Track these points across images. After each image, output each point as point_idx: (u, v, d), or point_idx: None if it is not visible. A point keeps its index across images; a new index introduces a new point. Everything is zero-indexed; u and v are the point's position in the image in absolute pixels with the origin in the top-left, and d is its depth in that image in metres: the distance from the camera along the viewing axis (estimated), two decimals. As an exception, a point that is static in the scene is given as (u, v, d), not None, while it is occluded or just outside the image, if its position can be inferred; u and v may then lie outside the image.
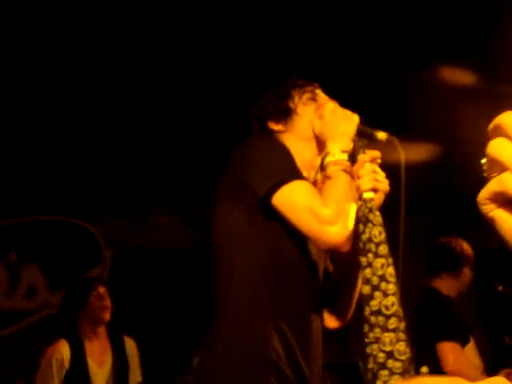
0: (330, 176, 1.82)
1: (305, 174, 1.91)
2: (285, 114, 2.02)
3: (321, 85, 2.14)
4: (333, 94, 2.09)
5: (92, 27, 4.24)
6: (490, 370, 4.11)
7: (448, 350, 3.14)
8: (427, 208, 5.00)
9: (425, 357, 3.11)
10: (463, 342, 3.28)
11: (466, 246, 3.47)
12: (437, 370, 3.08)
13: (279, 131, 2.02)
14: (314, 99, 2.03)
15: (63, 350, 3.41)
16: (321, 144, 1.96)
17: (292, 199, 1.76)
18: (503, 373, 3.51)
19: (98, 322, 3.52)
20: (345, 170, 1.82)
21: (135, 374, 3.65)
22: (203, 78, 4.55)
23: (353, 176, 1.84)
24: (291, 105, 2.03)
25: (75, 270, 4.97)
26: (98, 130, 5.02)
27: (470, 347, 3.40)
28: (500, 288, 4.67)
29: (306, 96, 2.03)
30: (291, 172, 1.81)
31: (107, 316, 3.53)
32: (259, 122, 2.06)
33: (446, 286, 3.35)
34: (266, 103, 2.08)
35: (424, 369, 3.05)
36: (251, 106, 2.12)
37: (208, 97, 4.67)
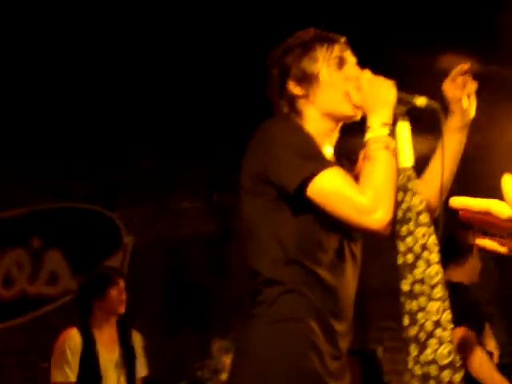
0: (370, 156, 1.75)
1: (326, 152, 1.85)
2: (306, 78, 1.87)
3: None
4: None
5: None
6: (507, 358, 4.12)
7: (458, 336, 3.14)
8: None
9: None
10: (478, 329, 3.29)
11: (471, 237, 3.52)
12: None
13: (299, 96, 1.89)
14: (340, 66, 1.89)
15: (75, 336, 3.51)
16: (337, 119, 1.89)
17: (326, 191, 1.69)
18: None
19: (113, 313, 3.62)
20: (386, 147, 1.74)
21: (142, 366, 3.74)
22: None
23: (394, 153, 1.77)
24: (314, 68, 1.87)
25: (97, 256, 5.03)
26: (116, 116, 5.06)
27: (486, 334, 3.43)
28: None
29: (332, 61, 1.87)
30: (320, 161, 1.74)
31: (123, 309, 3.63)
32: (279, 80, 1.90)
33: (455, 275, 3.39)
34: (287, 54, 1.90)
35: None
36: (269, 57, 1.93)
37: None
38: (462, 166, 2.00)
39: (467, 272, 3.48)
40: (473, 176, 4.68)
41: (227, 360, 3.98)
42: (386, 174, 1.72)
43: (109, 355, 3.59)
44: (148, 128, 5.12)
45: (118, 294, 3.60)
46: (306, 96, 1.88)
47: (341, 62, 1.88)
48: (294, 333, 1.73)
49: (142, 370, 3.73)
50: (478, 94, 1.93)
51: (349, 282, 1.85)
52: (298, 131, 1.81)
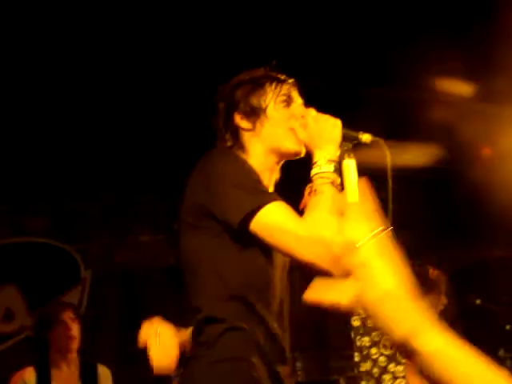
0: (315, 190, 1.79)
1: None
2: (253, 112, 1.91)
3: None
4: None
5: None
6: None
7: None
8: (410, 222, 5.03)
9: None
10: None
11: (432, 274, 3.56)
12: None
13: (245, 129, 1.93)
14: (288, 104, 1.94)
15: (28, 377, 3.42)
16: (281, 155, 1.93)
17: (270, 225, 1.70)
18: None
19: (66, 350, 3.52)
20: (331, 183, 1.79)
21: None
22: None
23: (338, 188, 1.80)
24: (262, 103, 1.92)
25: (54, 292, 4.93)
26: (78, 149, 5.02)
27: None
28: (478, 301, 4.75)
29: (280, 98, 1.93)
30: (264, 195, 1.76)
31: (74, 345, 3.53)
32: (226, 113, 1.95)
33: None
34: (236, 89, 1.95)
35: None
36: (218, 92, 1.98)
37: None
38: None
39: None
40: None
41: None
42: (330, 208, 1.74)
43: None
44: (105, 161, 5.09)
45: (64, 331, 3.50)
46: (252, 129, 1.91)
47: (288, 101, 1.93)
48: (237, 372, 1.72)
49: None
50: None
51: (287, 315, 1.88)
52: (241, 164, 1.82)
